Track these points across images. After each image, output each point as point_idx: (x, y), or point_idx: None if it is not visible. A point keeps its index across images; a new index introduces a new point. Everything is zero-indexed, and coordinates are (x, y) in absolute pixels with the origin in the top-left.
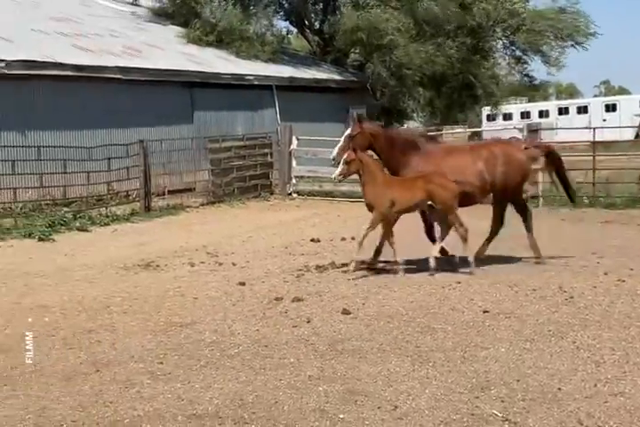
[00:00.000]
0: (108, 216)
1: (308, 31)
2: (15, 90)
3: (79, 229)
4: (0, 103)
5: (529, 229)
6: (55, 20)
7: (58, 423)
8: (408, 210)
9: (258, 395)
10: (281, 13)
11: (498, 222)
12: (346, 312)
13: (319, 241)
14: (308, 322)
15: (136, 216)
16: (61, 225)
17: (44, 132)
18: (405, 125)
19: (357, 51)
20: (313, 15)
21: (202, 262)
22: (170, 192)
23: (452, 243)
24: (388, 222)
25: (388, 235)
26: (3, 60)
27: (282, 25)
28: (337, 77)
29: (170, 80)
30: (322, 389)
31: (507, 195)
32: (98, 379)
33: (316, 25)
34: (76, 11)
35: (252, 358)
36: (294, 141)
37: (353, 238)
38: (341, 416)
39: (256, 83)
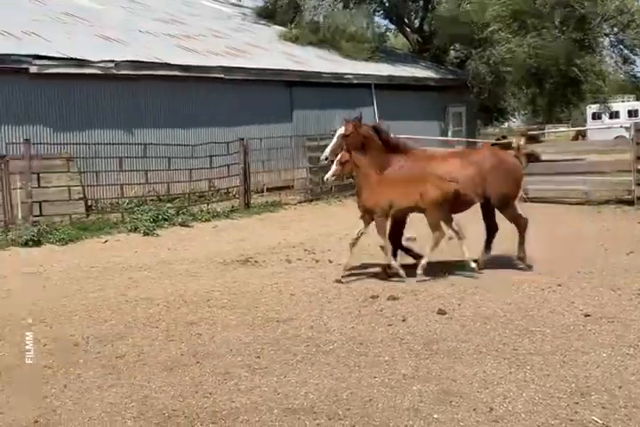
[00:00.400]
0: (208, 212)
1: (407, 29)
2: (124, 89)
3: (181, 225)
4: (110, 102)
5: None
6: (162, 21)
7: (160, 412)
8: (405, 211)
9: (352, 392)
10: (380, 11)
11: (520, 224)
12: (441, 312)
13: (415, 240)
14: (404, 321)
15: (235, 213)
16: (165, 220)
17: (150, 129)
18: (506, 124)
19: (457, 48)
20: (413, 13)
21: (299, 259)
22: (268, 189)
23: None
24: (367, 223)
25: (357, 240)
26: (112, 61)
27: (381, 23)
28: (436, 75)
29: (271, 79)
30: (416, 388)
31: (503, 201)
32: (198, 370)
33: (416, 23)
34: (182, 12)
35: (346, 356)
36: None
37: (450, 238)
38: (435, 416)
39: (355, 81)
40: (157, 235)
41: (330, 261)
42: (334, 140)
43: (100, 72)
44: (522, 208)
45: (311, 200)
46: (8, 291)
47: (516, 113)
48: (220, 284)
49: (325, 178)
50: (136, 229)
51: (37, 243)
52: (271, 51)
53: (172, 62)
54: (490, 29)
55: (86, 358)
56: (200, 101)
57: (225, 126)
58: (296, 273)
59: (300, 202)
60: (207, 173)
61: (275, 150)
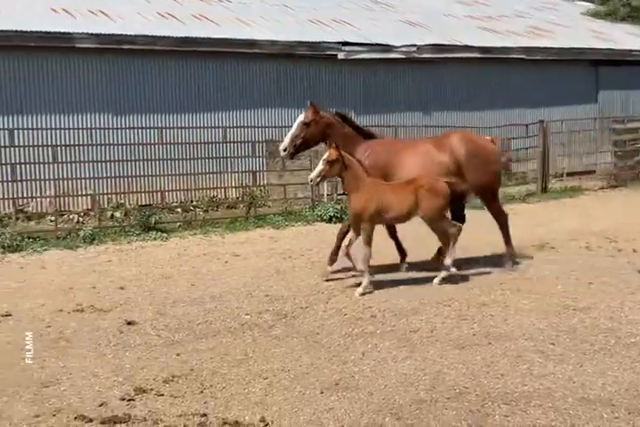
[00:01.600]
0: (504, 196)
1: None
2: (423, 72)
3: (474, 208)
4: (409, 85)
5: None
6: (465, 4)
7: (451, 388)
8: (399, 219)
9: None
10: None
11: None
12: None
13: None
14: None
15: (531, 197)
16: None
17: (448, 112)
18: None
19: None
20: None
21: (599, 247)
22: (568, 174)
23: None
24: (358, 231)
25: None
26: (414, 45)
27: None
28: None
29: (574, 59)
30: None
31: (482, 190)
32: (489, 351)
33: None
34: None
35: None
36: None
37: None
38: None
39: None
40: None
41: (634, 251)
42: (293, 128)
43: (402, 56)
44: None
45: (615, 186)
46: (313, 262)
47: None
48: (513, 268)
49: (309, 178)
50: None
51: (340, 219)
52: (575, 28)
53: (473, 44)
54: None
55: (382, 330)
56: (498, 83)
57: (524, 108)
58: (596, 261)
59: (602, 188)
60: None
61: (576, 133)
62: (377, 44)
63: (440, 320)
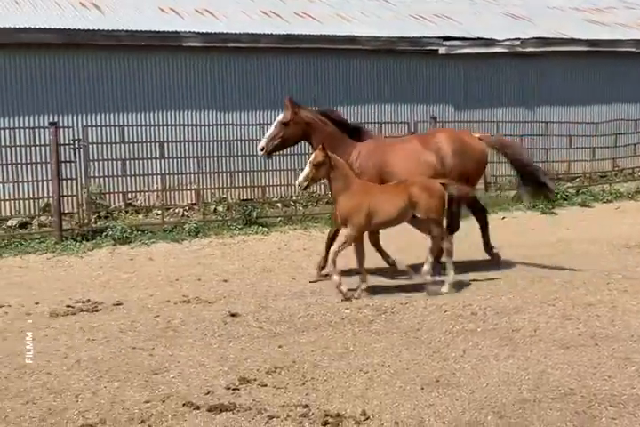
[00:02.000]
0: (611, 193)
1: None
2: (525, 66)
3: (581, 205)
4: (511, 79)
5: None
6: None
7: (555, 388)
8: (390, 223)
9: None
10: None
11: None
12: None
13: None
14: None
15: None
16: (564, 200)
17: (551, 107)
18: None
19: None
20: None
21: None
22: None
23: None
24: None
25: (360, 254)
26: (518, 39)
27: None
28: None
29: None
30: None
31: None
32: (596, 352)
33: None
34: None
35: None
36: None
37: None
38: None
39: None
40: (555, 214)
41: None
42: (272, 128)
43: (505, 50)
44: None
45: None
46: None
47: None
48: (622, 267)
49: (297, 182)
50: (534, 206)
51: None
52: None
53: (580, 37)
54: None
55: (484, 328)
56: (605, 77)
57: (632, 103)
58: None
59: None
60: (611, 151)
61: None
62: (479, 39)
63: (544, 320)
